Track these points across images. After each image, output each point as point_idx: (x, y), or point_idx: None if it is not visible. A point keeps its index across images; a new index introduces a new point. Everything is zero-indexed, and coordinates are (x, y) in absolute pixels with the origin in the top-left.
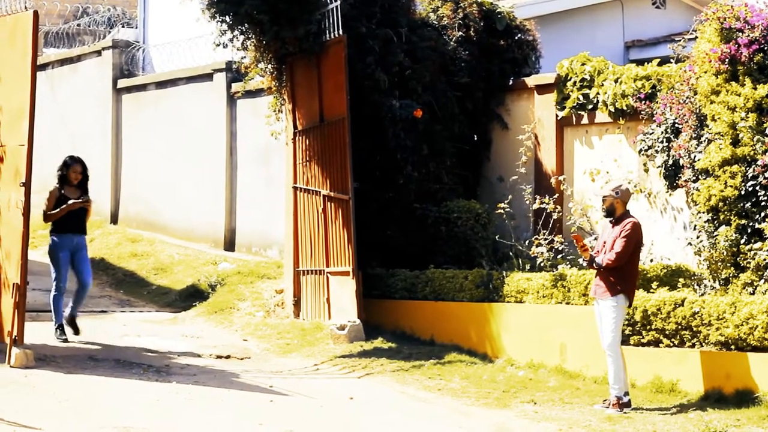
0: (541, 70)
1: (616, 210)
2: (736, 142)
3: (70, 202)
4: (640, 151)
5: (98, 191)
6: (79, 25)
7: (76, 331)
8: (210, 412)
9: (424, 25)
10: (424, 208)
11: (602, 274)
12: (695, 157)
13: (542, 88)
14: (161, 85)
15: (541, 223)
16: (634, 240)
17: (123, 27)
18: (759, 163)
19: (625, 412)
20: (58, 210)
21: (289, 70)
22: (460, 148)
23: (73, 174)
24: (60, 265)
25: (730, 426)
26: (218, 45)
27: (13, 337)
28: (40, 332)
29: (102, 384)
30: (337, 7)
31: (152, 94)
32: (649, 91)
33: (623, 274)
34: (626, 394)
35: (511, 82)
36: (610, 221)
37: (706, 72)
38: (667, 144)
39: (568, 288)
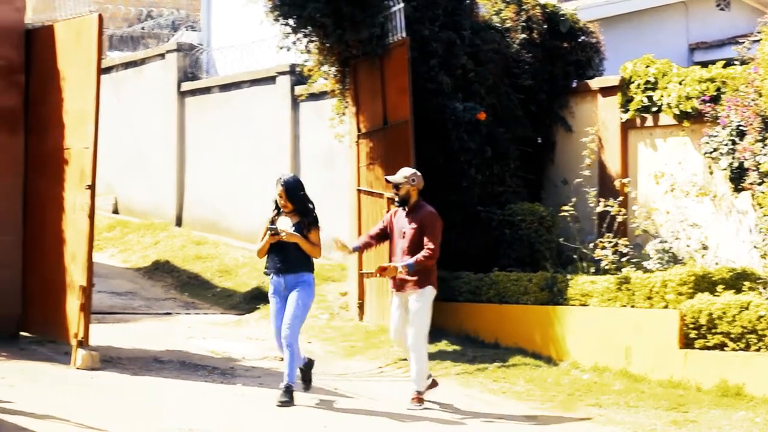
0: (604, 73)
1: (410, 198)
2: None
3: (269, 234)
4: (705, 153)
5: (163, 194)
6: (143, 28)
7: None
8: (274, 414)
9: (487, 27)
10: (487, 210)
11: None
12: (760, 159)
13: (606, 91)
14: (225, 88)
15: (605, 225)
16: (441, 230)
17: (187, 30)
18: None
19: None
20: (261, 243)
21: (352, 73)
22: (523, 150)
23: (280, 200)
24: (270, 313)
25: None
26: (282, 48)
27: (79, 338)
28: (106, 334)
29: (167, 386)
30: (400, 9)
31: (216, 96)
32: (714, 94)
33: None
34: None
35: (574, 85)
36: (403, 209)
37: None
38: (731, 146)
39: (632, 291)
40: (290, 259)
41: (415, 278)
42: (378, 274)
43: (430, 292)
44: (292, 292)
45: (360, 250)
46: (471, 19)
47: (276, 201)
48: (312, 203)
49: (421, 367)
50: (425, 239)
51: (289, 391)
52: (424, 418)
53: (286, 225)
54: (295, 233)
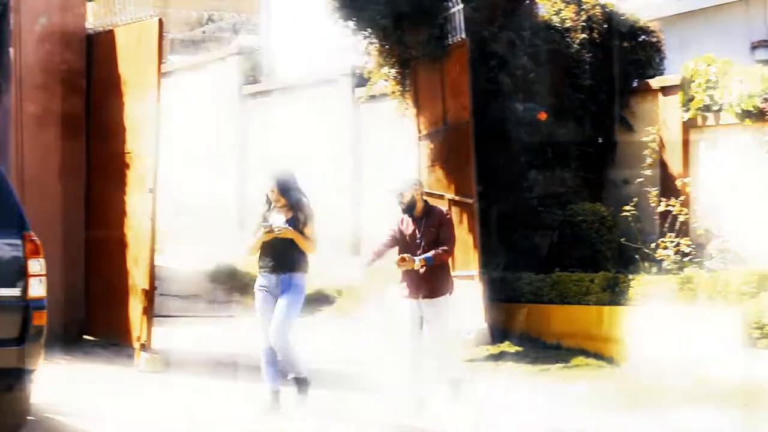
0: (665, 72)
1: (417, 203)
2: None
3: (263, 231)
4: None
5: (226, 198)
6: (204, 32)
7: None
8: (336, 414)
9: (547, 27)
10: (548, 211)
11: (431, 271)
12: None
13: (667, 90)
14: (286, 90)
15: (667, 225)
16: (453, 227)
17: (247, 33)
18: None
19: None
20: (253, 240)
21: (412, 75)
22: (584, 150)
23: (272, 195)
24: (257, 310)
25: None
26: (342, 50)
27: (142, 341)
28: (169, 337)
29: (228, 388)
30: (459, 10)
31: (277, 99)
32: None
33: (448, 268)
34: None
35: (635, 84)
36: (410, 216)
37: None
38: None
39: (695, 291)
40: (284, 257)
41: (435, 285)
42: (397, 265)
43: (451, 296)
44: (284, 294)
45: (374, 260)
46: (530, 19)
47: (267, 196)
48: (305, 196)
49: (456, 370)
50: (441, 237)
51: (299, 382)
52: (490, 416)
53: (278, 221)
54: (289, 228)
